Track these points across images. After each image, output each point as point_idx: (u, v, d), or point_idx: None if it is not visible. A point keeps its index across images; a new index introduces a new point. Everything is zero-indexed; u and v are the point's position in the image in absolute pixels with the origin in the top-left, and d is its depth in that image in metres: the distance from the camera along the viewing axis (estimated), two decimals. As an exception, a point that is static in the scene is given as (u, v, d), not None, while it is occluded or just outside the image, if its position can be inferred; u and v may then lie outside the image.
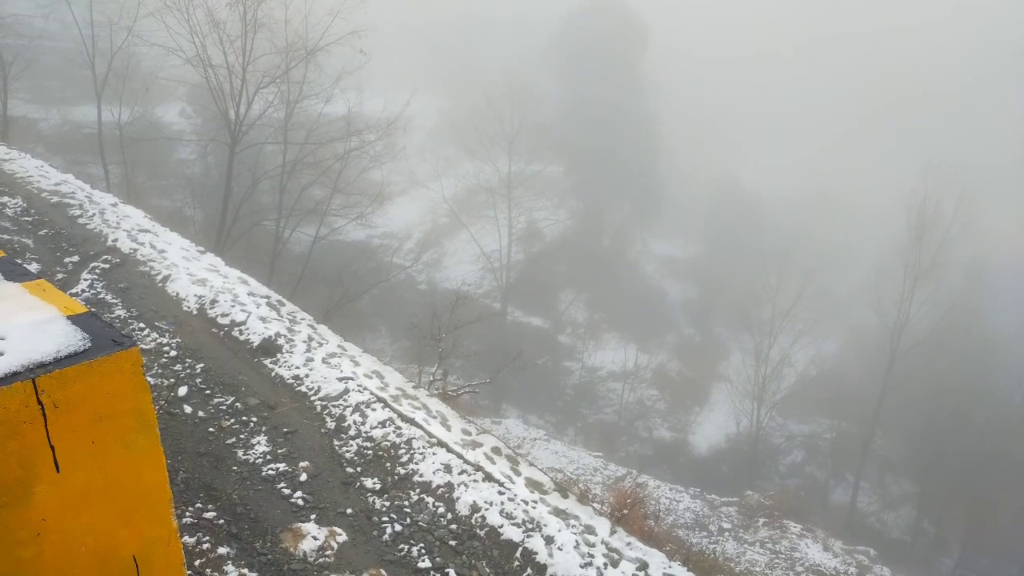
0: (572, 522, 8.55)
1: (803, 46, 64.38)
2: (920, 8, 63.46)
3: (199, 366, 9.47)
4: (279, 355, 10.42)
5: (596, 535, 8.50)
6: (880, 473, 41.42)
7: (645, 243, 54.03)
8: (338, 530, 7.10)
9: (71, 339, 2.57)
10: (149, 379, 8.70)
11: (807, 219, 53.25)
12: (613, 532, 8.70)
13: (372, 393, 9.90)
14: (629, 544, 8.53)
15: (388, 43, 40.36)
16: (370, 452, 8.62)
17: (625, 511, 12.90)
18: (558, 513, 8.65)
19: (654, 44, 57.86)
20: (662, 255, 54.34)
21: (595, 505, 10.81)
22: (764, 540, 22.73)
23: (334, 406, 9.40)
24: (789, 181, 56.33)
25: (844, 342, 48.84)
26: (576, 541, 8.04)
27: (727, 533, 22.92)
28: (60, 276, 11.30)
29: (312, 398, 9.56)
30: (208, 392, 8.94)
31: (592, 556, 7.86)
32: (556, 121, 53.11)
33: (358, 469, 8.26)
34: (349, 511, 7.46)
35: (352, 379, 10.09)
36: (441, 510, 7.96)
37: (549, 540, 7.87)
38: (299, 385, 9.79)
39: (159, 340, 9.87)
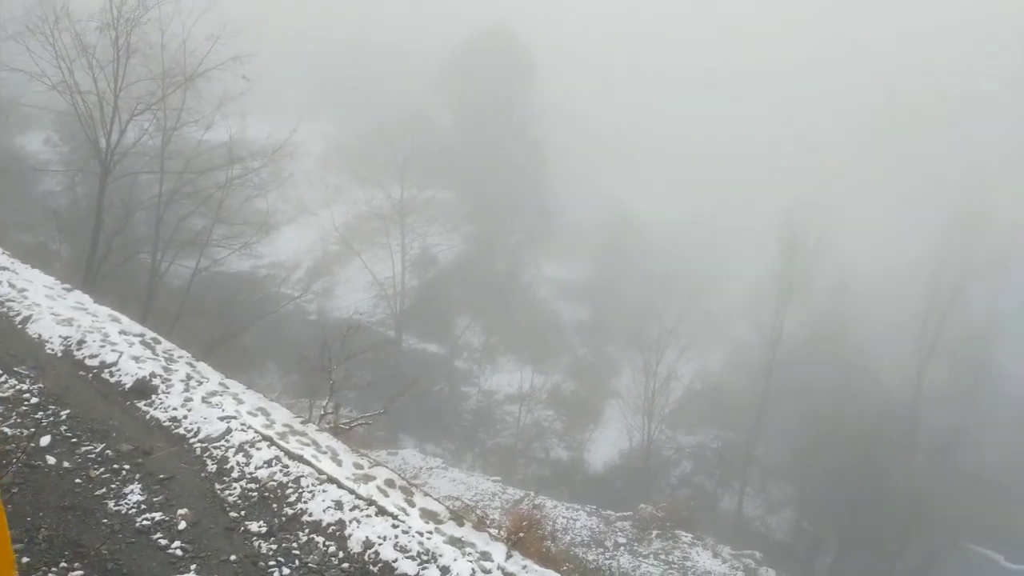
0: (468, 550, 8.58)
1: (692, 71, 67.93)
2: (803, 44, 68.57)
3: (64, 412, 8.84)
4: (154, 396, 9.91)
5: (492, 561, 8.57)
6: (763, 479, 43.79)
7: (538, 266, 55.05)
8: (221, 579, 6.82)
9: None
10: (6, 430, 8.06)
11: (690, 241, 55.87)
12: (509, 556, 8.80)
13: (257, 431, 9.58)
14: (525, 567, 8.65)
15: (273, 68, 39.53)
16: (255, 494, 8.33)
17: (521, 534, 12.99)
18: (454, 542, 8.66)
19: (544, 70, 59.49)
20: (555, 278, 55.52)
21: (492, 531, 10.87)
22: (658, 552, 23.51)
23: (215, 447, 9.03)
24: (674, 204, 59.03)
25: (726, 356, 51.49)
26: (472, 569, 8.08)
27: (622, 548, 23.54)
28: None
29: (191, 440, 9.14)
30: (75, 440, 8.37)
31: (487, 583, 7.93)
32: (449, 147, 53.50)
33: (242, 513, 7.95)
34: (233, 558, 7.16)
35: (235, 418, 9.73)
36: (332, 549, 7.79)
37: (445, 570, 7.87)
38: (177, 427, 9.34)
39: (18, 387, 9.15)
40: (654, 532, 24.86)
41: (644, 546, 23.79)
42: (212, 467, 8.64)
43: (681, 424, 45.58)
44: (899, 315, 44.88)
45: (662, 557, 23.15)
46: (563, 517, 25.48)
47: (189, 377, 10.74)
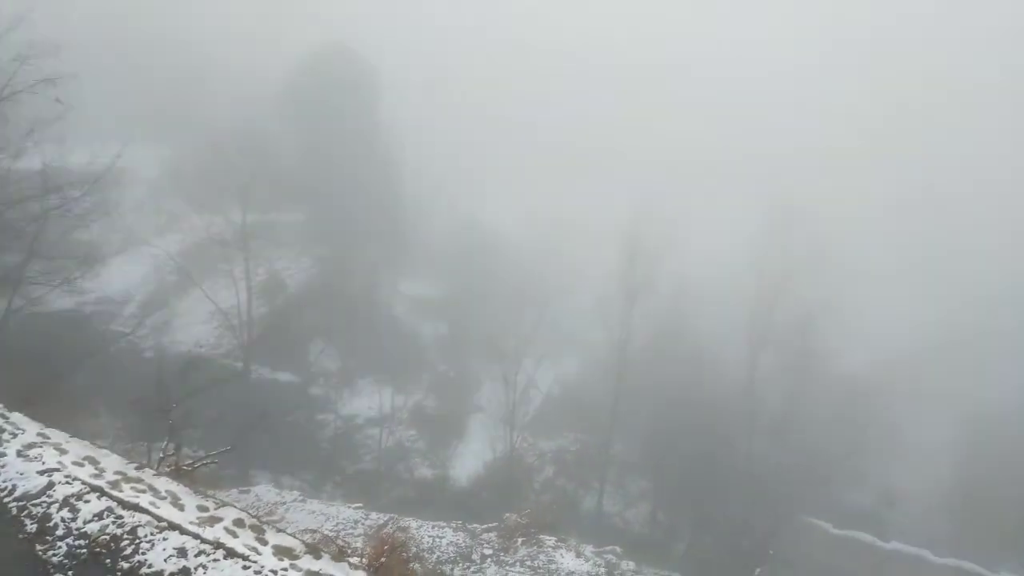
0: (324, 582, 8.49)
1: (537, 85, 70.55)
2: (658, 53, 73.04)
3: None
4: (-41, 457, 8.96)
5: (349, 590, 8.53)
6: (621, 476, 45.92)
7: (395, 285, 54.62)
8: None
9: None
10: None
11: (542, 250, 57.40)
12: (367, 583, 8.79)
13: (84, 483, 8.92)
14: (383, 591, 8.68)
15: (98, 92, 36.72)
16: (84, 551, 7.77)
17: (383, 559, 12.93)
18: None
19: (391, 87, 59.30)
20: (412, 295, 55.31)
21: (352, 560, 10.79)
22: (524, 559, 24.05)
23: (35, 505, 8.31)
24: (525, 216, 60.54)
25: (581, 360, 53.52)
26: (327, 600, 8.01)
27: (489, 559, 23.87)
28: None
29: (6, 500, 8.35)
30: None
31: (342, 611, 7.89)
32: (294, 168, 51.79)
33: (69, 574, 7.39)
34: (59, 623, 6.66)
35: (58, 470, 9.00)
36: (174, 598, 7.44)
37: (297, 605, 7.75)
38: (-12, 488, 8.50)
39: None
40: (519, 540, 25.41)
41: (510, 555, 24.25)
42: (32, 527, 7.96)
43: (542, 430, 46.89)
44: (734, 309, 48.65)
45: (528, 563, 23.72)
46: (429, 536, 25.42)
47: (1, 430, 9.79)
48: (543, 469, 45.34)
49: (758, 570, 34.00)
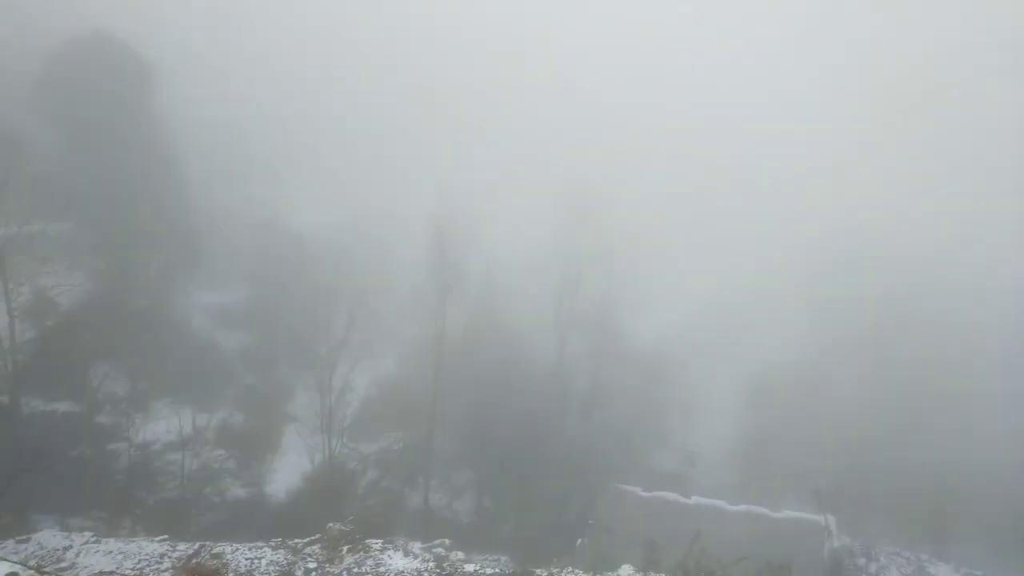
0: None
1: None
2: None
3: None
4: None
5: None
6: (446, 469, 46.23)
7: (189, 296, 50.22)
8: None
9: None
10: None
11: (352, 247, 55.78)
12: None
13: None
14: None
15: None
16: None
17: (191, 592, 11.85)
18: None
19: (168, 83, 54.19)
20: (210, 305, 51.20)
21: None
22: (351, 567, 23.27)
23: None
24: (332, 213, 58.39)
25: (399, 358, 52.80)
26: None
27: (313, 572, 22.82)
28: None
29: None
30: None
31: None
32: (57, 173, 45.63)
33: None
34: None
35: None
36: None
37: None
38: None
39: None
40: (345, 548, 24.52)
41: (335, 565, 23.32)
42: None
43: (363, 433, 45.78)
44: (543, 294, 50.72)
45: (355, 570, 22.98)
46: (246, 559, 23.74)
47: None
48: (366, 473, 44.40)
49: (580, 540, 35.80)
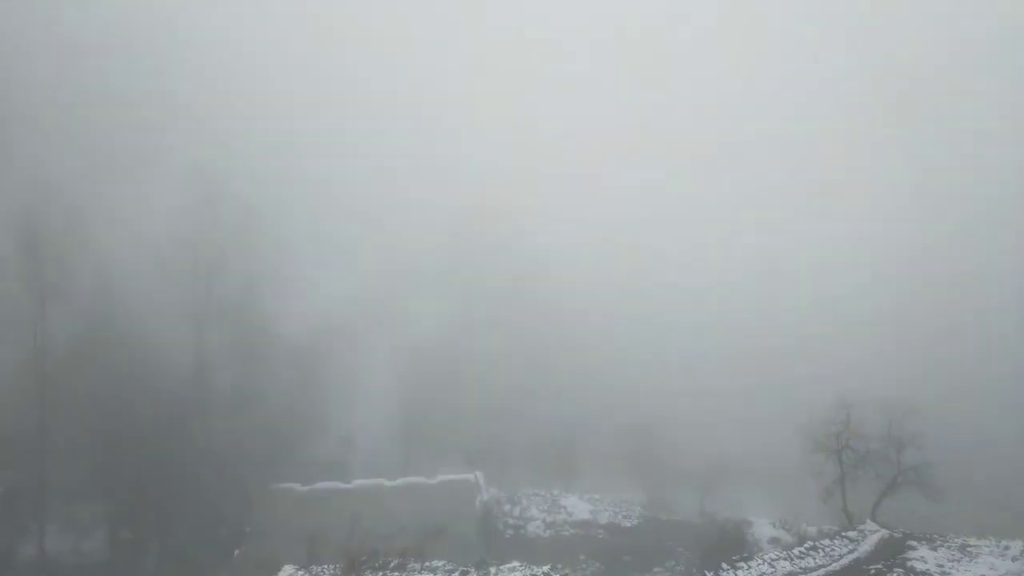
0: None
1: None
2: None
3: None
4: None
5: None
6: (67, 507, 39.14)
7: None
8: None
9: None
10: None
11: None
12: None
13: None
14: None
15: None
16: None
17: None
18: None
19: None
20: None
21: None
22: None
23: None
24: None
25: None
26: None
27: None
28: None
29: None
30: None
31: None
32: None
33: None
34: None
35: None
36: None
37: None
38: None
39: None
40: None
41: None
42: None
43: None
44: (170, 290, 45.41)
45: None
46: None
47: None
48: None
49: (237, 551, 33.63)
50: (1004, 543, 28.45)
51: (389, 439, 51.54)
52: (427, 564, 25.54)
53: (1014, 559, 26.56)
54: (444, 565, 25.39)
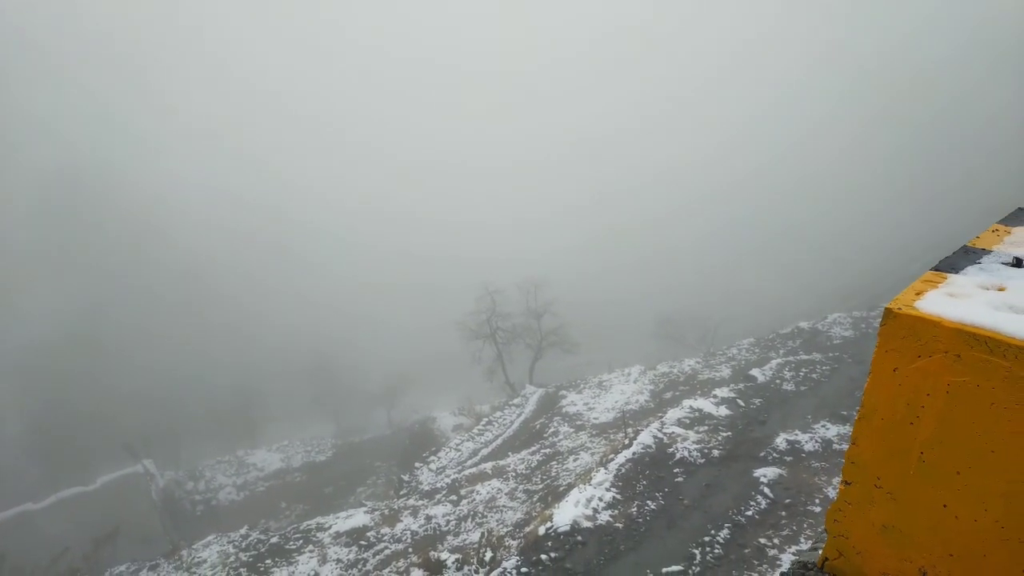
0: None
1: None
2: None
3: None
4: None
5: None
6: None
7: None
8: None
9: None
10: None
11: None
12: None
13: None
14: None
15: None
16: None
17: None
18: None
19: None
20: None
21: None
22: None
23: None
24: None
25: None
26: None
27: None
28: None
29: None
30: None
31: None
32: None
33: None
34: None
35: None
36: None
37: None
38: None
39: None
40: None
41: None
42: None
43: None
44: None
45: None
46: None
47: None
48: None
49: None
50: (627, 370, 35.13)
51: (25, 456, 43.49)
52: (108, 573, 22.76)
53: (635, 380, 32.99)
54: (128, 568, 22.84)
